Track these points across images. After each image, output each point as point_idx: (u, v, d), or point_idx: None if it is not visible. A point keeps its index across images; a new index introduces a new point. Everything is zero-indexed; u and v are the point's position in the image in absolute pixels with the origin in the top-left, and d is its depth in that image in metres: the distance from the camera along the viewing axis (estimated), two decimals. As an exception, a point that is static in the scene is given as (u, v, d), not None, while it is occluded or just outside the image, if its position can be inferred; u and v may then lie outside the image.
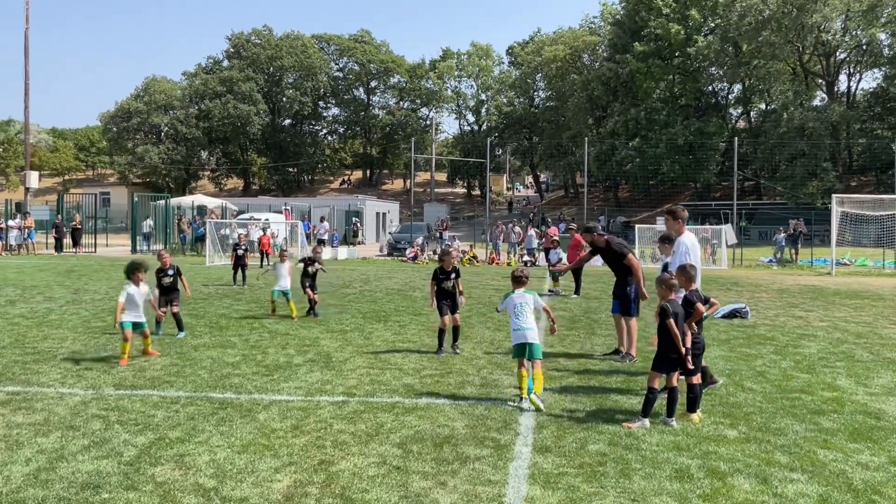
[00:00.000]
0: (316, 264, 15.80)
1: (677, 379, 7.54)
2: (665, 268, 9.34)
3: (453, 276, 11.42)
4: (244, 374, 9.74)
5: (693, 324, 7.83)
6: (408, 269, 30.90)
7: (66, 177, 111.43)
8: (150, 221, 40.93)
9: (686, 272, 8.16)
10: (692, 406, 7.66)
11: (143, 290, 10.92)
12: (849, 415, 7.91)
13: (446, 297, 11.37)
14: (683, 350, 7.45)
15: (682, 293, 8.08)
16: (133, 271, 10.86)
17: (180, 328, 12.82)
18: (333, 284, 21.98)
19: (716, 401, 8.38)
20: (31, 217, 40.19)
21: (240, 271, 21.79)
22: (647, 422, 7.35)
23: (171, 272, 13.20)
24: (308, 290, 15.40)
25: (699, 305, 7.86)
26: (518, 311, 8.51)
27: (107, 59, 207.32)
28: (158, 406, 8.06)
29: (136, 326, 10.64)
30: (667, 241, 9.74)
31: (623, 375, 9.75)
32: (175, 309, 12.93)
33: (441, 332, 11.33)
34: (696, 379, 7.69)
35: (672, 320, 7.44)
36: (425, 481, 5.86)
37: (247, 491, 5.64)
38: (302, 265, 15.95)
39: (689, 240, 9.41)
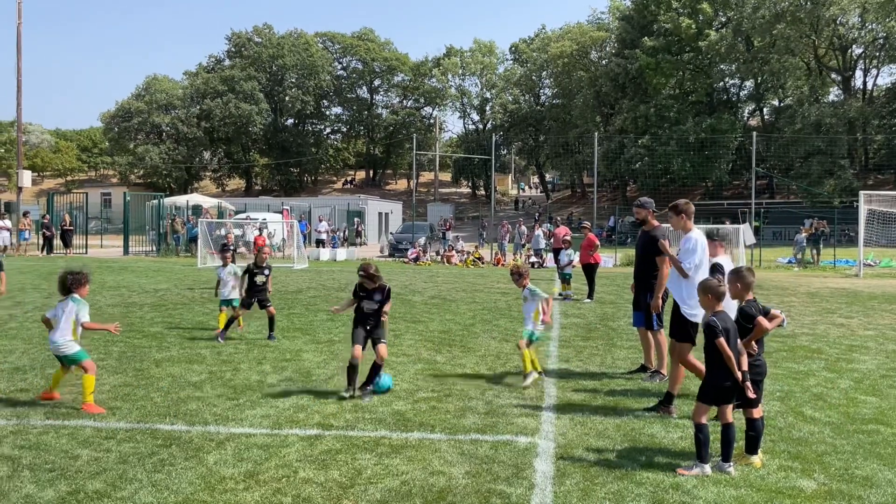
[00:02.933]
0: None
1: (732, 412, 5.99)
2: (714, 270, 7.79)
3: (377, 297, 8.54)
4: (205, 397, 8.19)
5: (753, 342, 6.26)
6: (409, 270, 29.35)
7: (69, 177, 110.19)
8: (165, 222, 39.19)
9: (742, 277, 6.58)
10: (752, 446, 6.10)
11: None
12: (946, 455, 6.34)
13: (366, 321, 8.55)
14: (740, 375, 5.90)
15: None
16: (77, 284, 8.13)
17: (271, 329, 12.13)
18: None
19: (775, 435, 6.82)
20: (30, 217, 38.68)
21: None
22: (707, 468, 5.80)
23: (266, 271, 12.40)
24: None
25: (761, 320, 6.27)
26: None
27: (109, 58, 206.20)
28: (88, 443, 6.52)
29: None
30: (716, 238, 8.19)
31: (657, 400, 8.17)
32: (272, 310, 12.23)
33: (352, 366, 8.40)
34: (758, 412, 6.12)
35: (723, 339, 5.89)
36: (410, 565, 4.31)
37: (163, 581, 4.10)
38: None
39: (699, 236, 8.02)
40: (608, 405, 7.95)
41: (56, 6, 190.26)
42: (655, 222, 9.48)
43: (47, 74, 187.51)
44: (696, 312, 7.60)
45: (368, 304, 8.49)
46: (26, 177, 46.07)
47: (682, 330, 7.67)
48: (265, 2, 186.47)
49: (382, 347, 8.39)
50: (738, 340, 6.12)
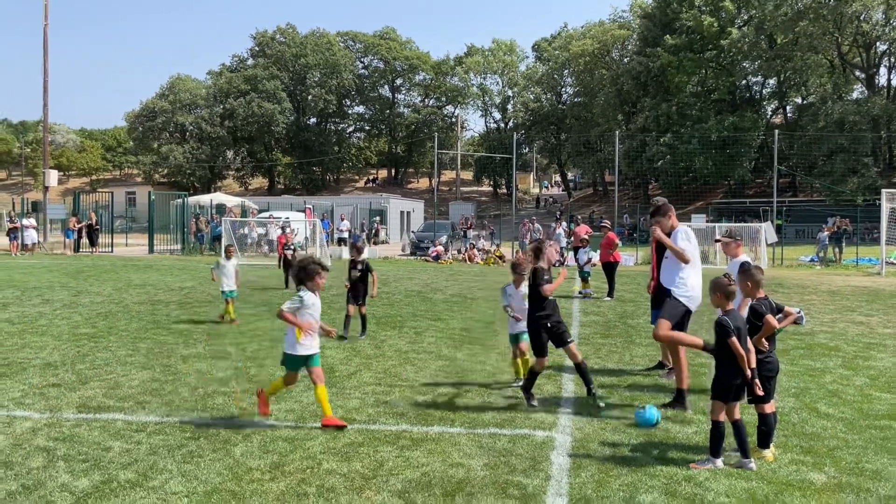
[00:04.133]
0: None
1: (739, 409, 6.10)
2: (744, 269, 7.87)
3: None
4: (231, 392, 8.42)
5: (763, 340, 6.38)
6: (430, 269, 29.54)
7: (94, 177, 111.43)
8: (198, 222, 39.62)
9: (751, 275, 6.70)
10: (764, 441, 6.22)
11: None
12: (957, 450, 6.43)
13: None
14: (749, 373, 6.02)
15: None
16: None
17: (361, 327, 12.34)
18: None
19: (788, 430, 6.93)
20: (77, 217, 39.07)
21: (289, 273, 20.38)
22: (719, 462, 5.94)
23: (360, 266, 12.39)
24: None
25: (769, 318, 6.36)
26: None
27: (133, 59, 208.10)
28: (119, 435, 6.76)
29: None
30: (734, 237, 8.33)
31: (672, 396, 8.31)
32: (363, 309, 12.36)
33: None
34: (770, 407, 6.24)
35: (735, 338, 6.01)
36: (429, 551, 4.50)
37: (194, 564, 4.31)
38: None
39: (685, 228, 8.36)
40: (625, 401, 8.10)
41: (81, 7, 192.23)
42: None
43: (73, 74, 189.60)
44: (690, 295, 7.86)
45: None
46: (53, 176, 46.70)
47: (670, 308, 7.94)
48: (288, 2, 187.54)
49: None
50: (749, 339, 6.23)
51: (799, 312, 14.59)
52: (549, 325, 7.79)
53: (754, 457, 6.09)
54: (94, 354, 10.56)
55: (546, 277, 7.90)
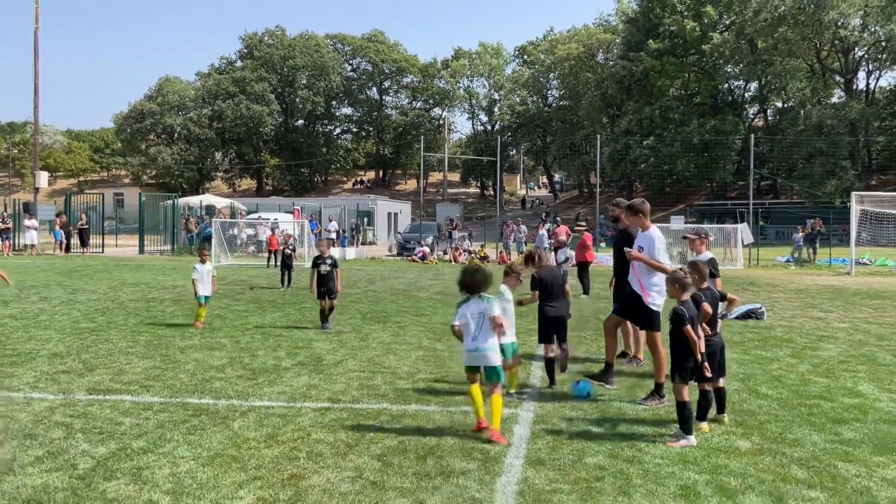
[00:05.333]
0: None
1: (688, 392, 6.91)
2: (691, 263, 8.65)
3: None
4: (227, 377, 9.21)
5: (706, 325, 7.20)
6: (416, 269, 30.34)
7: (81, 178, 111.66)
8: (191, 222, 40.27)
9: (699, 269, 7.54)
10: (702, 414, 7.06)
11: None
12: (872, 424, 7.28)
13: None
14: (700, 357, 6.84)
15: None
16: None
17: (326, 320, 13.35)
18: None
19: (728, 408, 7.75)
20: (64, 217, 39.52)
21: (286, 273, 21.12)
22: (692, 438, 6.65)
23: (329, 261, 13.41)
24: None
25: (705, 305, 7.20)
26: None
27: (122, 60, 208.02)
28: (129, 412, 7.54)
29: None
30: (700, 236, 9.12)
31: (629, 380, 9.15)
32: (334, 302, 13.36)
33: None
34: (709, 386, 7.07)
35: (689, 326, 6.83)
36: (402, 499, 5.30)
37: (203, 510, 5.10)
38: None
39: (658, 234, 8.66)
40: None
41: (67, 8, 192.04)
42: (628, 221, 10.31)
43: (59, 75, 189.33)
44: (659, 302, 8.50)
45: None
46: (43, 178, 47.23)
47: (649, 320, 8.52)
48: (276, 4, 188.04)
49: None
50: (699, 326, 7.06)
51: (760, 308, 15.57)
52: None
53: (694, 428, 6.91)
54: (96, 346, 11.30)
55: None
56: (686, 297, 7.11)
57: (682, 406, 6.71)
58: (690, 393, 6.78)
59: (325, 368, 9.76)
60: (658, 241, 8.53)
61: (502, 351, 7.39)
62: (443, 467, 5.94)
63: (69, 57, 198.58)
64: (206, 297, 13.58)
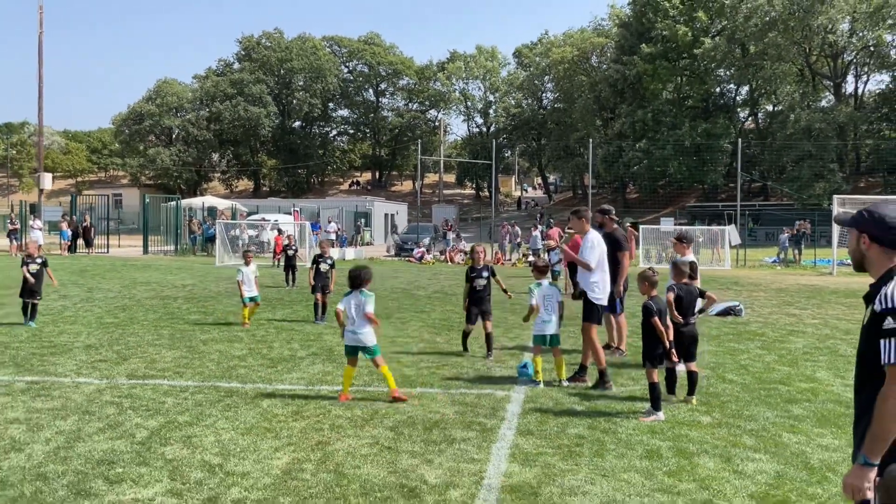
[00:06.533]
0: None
1: (657, 373, 7.96)
2: (673, 263, 9.64)
3: (486, 274, 11.34)
4: (250, 365, 10.24)
5: (675, 313, 8.31)
6: (414, 268, 31.39)
7: (79, 178, 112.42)
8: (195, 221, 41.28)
9: (677, 268, 8.73)
10: (671, 388, 8.24)
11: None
12: (820, 403, 8.35)
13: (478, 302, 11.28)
14: (668, 345, 7.91)
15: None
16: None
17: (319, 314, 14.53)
18: None
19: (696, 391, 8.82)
20: (73, 218, 40.33)
21: (290, 272, 22.03)
22: (661, 414, 7.63)
23: (329, 261, 14.84)
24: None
25: (668, 296, 8.40)
26: (547, 303, 9.30)
27: (119, 61, 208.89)
28: (168, 394, 8.56)
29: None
30: (683, 240, 10.21)
31: (611, 368, 10.18)
32: (326, 298, 14.50)
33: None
34: (680, 367, 8.27)
35: (657, 318, 7.88)
36: (413, 459, 6.34)
37: (249, 467, 6.13)
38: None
39: (595, 236, 9.69)
40: (572, 371, 9.95)
41: (64, 10, 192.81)
42: (614, 225, 11.39)
43: (56, 76, 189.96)
44: (600, 297, 9.48)
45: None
46: (47, 179, 48.23)
47: (591, 313, 9.52)
48: (273, 7, 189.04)
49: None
50: (667, 318, 8.15)
51: (738, 305, 16.66)
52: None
53: (664, 398, 8.04)
54: (124, 339, 12.32)
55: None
56: (654, 292, 8.18)
57: (652, 387, 7.76)
58: (659, 375, 7.86)
59: (337, 358, 10.79)
60: (597, 243, 9.56)
61: (543, 340, 9.33)
62: (446, 436, 6.99)
63: (65, 57, 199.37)
64: (251, 298, 14.18)
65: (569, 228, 22.91)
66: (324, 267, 14.68)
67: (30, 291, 13.95)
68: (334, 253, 37.80)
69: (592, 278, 9.47)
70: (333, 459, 6.32)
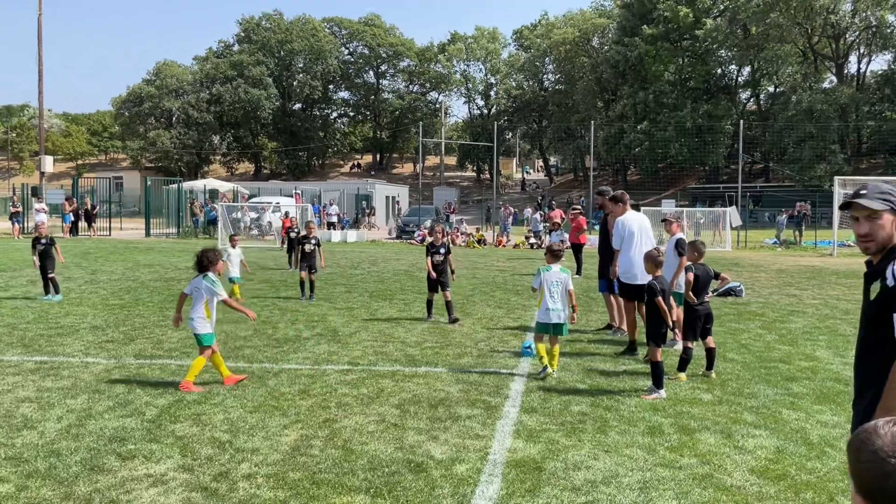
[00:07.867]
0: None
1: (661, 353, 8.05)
2: (680, 243, 9.90)
3: (442, 250, 12.92)
4: (256, 346, 10.35)
5: (690, 293, 8.51)
6: (415, 251, 31.45)
7: (79, 161, 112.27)
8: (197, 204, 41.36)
9: (696, 247, 8.85)
10: (682, 366, 8.47)
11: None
12: (819, 381, 8.45)
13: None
14: (671, 323, 8.02)
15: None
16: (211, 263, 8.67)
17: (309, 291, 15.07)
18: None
19: (698, 370, 8.92)
20: (75, 201, 40.33)
21: (293, 254, 22.12)
22: (662, 392, 7.72)
23: (313, 241, 15.16)
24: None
25: (689, 275, 8.52)
26: (553, 289, 8.62)
27: (119, 43, 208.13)
28: (176, 373, 8.67)
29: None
30: (670, 220, 10.43)
31: (612, 346, 10.32)
32: (313, 277, 15.11)
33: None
34: (690, 344, 8.51)
35: (660, 297, 7.97)
36: (419, 436, 6.45)
37: (258, 443, 6.24)
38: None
39: (626, 219, 10.55)
40: (575, 350, 10.08)
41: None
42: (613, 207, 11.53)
43: (55, 58, 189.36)
44: (629, 276, 9.97)
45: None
46: (48, 162, 48.21)
47: (623, 291, 10.02)
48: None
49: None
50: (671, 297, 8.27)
51: (738, 286, 16.79)
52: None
53: (672, 376, 8.14)
54: (130, 320, 12.43)
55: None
56: (659, 272, 8.28)
57: (654, 365, 7.86)
58: (663, 354, 7.97)
59: (342, 338, 10.90)
60: (626, 228, 10.40)
61: (546, 328, 8.63)
62: (451, 413, 7.10)
63: (65, 40, 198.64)
64: (230, 279, 14.90)
65: (572, 211, 23.04)
66: (308, 247, 15.14)
67: (43, 268, 15.20)
68: (336, 235, 38.06)
69: (619, 259, 10.29)
70: (341, 436, 6.43)
